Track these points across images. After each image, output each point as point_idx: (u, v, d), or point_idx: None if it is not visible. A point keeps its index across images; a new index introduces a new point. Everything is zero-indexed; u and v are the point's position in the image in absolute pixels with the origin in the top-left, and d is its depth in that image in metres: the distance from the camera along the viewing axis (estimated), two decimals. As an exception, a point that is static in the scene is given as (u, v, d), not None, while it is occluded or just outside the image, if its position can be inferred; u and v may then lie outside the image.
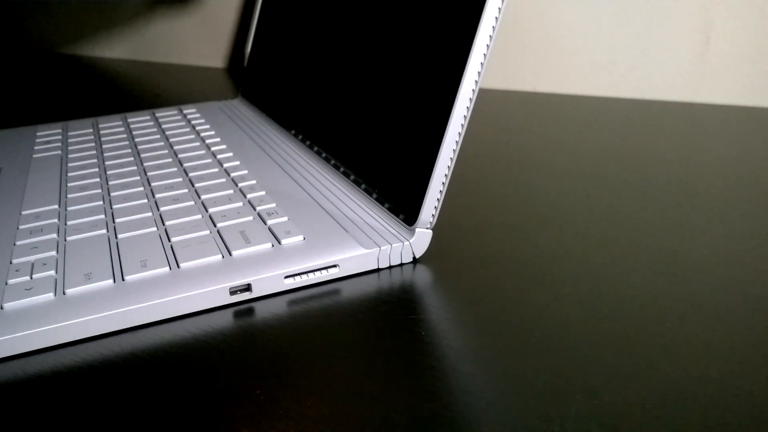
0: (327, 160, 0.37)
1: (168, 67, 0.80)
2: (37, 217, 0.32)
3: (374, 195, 0.31)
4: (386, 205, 0.30)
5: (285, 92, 0.46)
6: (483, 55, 0.25)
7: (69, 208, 0.33)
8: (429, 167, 0.27)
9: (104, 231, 0.30)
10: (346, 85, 0.37)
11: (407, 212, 0.28)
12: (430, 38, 0.29)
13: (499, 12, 0.25)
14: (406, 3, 0.31)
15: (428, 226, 0.28)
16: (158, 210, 0.32)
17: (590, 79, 0.58)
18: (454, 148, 0.27)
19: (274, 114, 0.47)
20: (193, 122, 0.48)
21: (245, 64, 0.53)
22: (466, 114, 0.26)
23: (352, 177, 0.33)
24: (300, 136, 0.41)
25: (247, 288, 0.26)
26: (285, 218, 0.30)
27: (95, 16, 0.87)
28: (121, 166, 0.39)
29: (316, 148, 0.38)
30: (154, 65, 0.82)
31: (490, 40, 0.25)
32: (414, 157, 0.28)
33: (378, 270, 0.28)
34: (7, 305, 0.24)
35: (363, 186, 0.32)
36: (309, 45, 0.44)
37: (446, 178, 0.27)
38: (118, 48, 0.87)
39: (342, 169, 0.35)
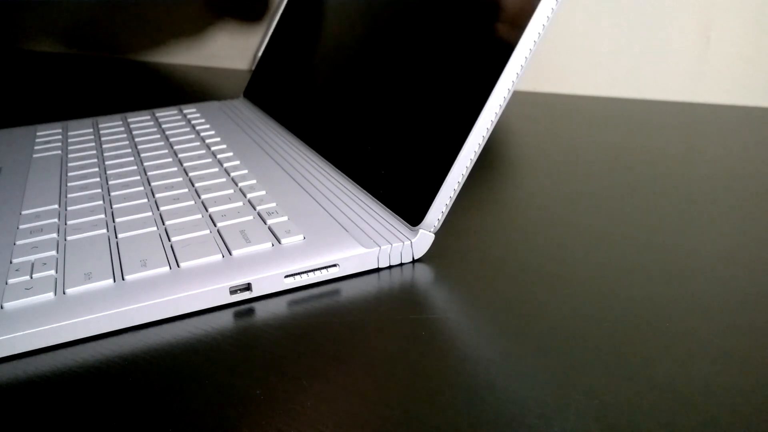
0: (329, 160, 0.37)
1: (169, 68, 0.80)
2: (37, 216, 0.32)
3: (379, 194, 0.31)
4: (390, 204, 0.30)
5: (293, 93, 0.46)
6: (516, 75, 0.25)
7: (69, 208, 0.33)
8: (444, 170, 0.27)
9: (104, 230, 0.30)
10: (361, 89, 0.37)
11: (413, 212, 0.28)
12: (463, 49, 0.29)
13: (548, 19, 0.25)
14: (431, 14, 0.31)
15: (432, 229, 0.28)
16: (158, 209, 0.32)
17: (590, 79, 0.58)
18: (472, 157, 0.27)
19: (279, 114, 0.47)
20: (193, 122, 0.48)
21: (254, 65, 0.53)
22: (493, 119, 0.26)
23: (354, 176, 0.33)
24: (305, 137, 0.41)
25: (247, 287, 0.26)
26: (285, 218, 0.30)
27: (100, 16, 0.87)
28: (121, 165, 0.39)
29: (318, 148, 0.38)
30: (157, 65, 0.82)
31: (530, 52, 0.25)
32: (430, 159, 0.28)
33: (378, 270, 0.28)
34: (7, 305, 0.24)
35: (366, 185, 0.32)
36: (324, 47, 0.44)
37: (459, 185, 0.27)
38: (123, 48, 0.87)
39: (345, 169, 0.35)
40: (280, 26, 0.52)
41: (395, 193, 0.30)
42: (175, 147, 0.42)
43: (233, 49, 0.78)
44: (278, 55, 0.51)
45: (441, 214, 0.28)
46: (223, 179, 0.35)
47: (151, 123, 0.49)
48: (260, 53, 0.53)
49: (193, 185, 0.35)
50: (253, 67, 0.54)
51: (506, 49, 0.26)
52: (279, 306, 0.26)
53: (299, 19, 0.49)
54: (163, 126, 0.47)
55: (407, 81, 0.32)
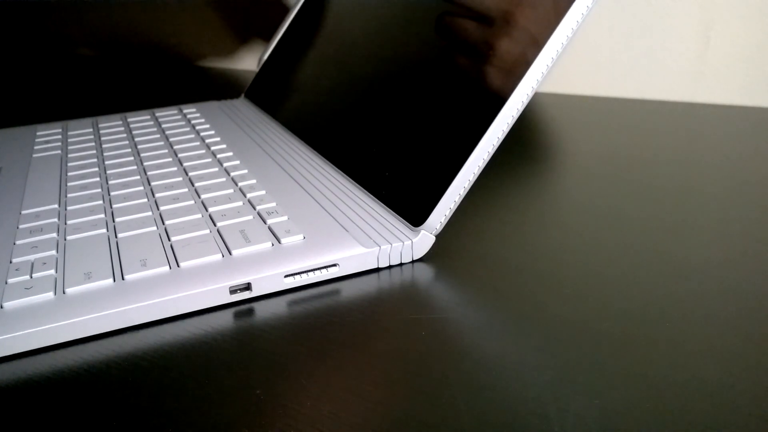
0: (330, 160, 0.37)
1: (169, 68, 0.80)
2: (37, 216, 0.32)
3: (381, 194, 0.31)
4: (392, 204, 0.30)
5: (296, 94, 0.46)
6: (536, 82, 0.25)
7: (69, 208, 0.33)
8: (452, 173, 0.27)
9: (104, 230, 0.30)
10: (368, 91, 0.37)
11: (415, 213, 0.28)
12: (479, 51, 0.28)
13: (577, 23, 0.25)
14: (443, 17, 0.31)
15: (434, 231, 0.28)
16: (158, 209, 0.32)
17: (590, 79, 0.58)
18: (480, 164, 0.27)
19: (280, 115, 0.47)
20: (192, 122, 0.48)
21: (258, 67, 0.53)
22: (509, 122, 0.26)
23: (355, 176, 0.33)
24: (306, 137, 0.41)
25: (247, 287, 0.26)
26: (285, 217, 0.30)
27: (100, 16, 0.87)
28: (121, 165, 0.39)
29: (319, 149, 0.38)
30: (157, 65, 0.82)
31: (553, 59, 0.25)
32: (438, 161, 0.28)
33: (378, 269, 0.28)
34: (6, 304, 0.24)
35: (367, 185, 0.32)
36: (331, 48, 0.44)
37: (465, 190, 0.27)
38: (123, 48, 0.87)
39: (347, 169, 0.35)
40: (290, 30, 0.52)
41: (398, 193, 0.30)
42: (175, 147, 0.42)
43: (234, 50, 0.78)
44: (284, 56, 0.51)
45: (444, 217, 0.28)
46: (223, 179, 0.35)
47: (151, 123, 0.49)
48: (266, 55, 0.53)
49: (192, 185, 0.35)
50: (258, 69, 0.54)
51: (530, 54, 0.25)
52: (279, 306, 0.26)
53: (309, 22, 0.49)
54: (163, 126, 0.47)
55: (416, 84, 0.32)
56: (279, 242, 0.28)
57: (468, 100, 0.28)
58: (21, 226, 0.31)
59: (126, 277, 0.26)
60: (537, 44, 0.25)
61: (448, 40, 0.30)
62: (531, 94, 0.26)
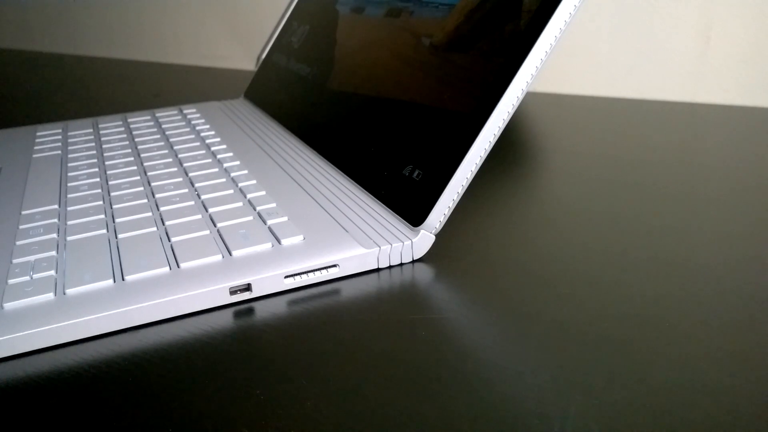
0: (330, 160, 0.37)
1: (169, 68, 0.80)
2: (37, 216, 0.32)
3: (380, 194, 0.31)
4: (391, 204, 0.30)
5: (295, 94, 0.46)
6: (529, 77, 0.25)
7: (69, 208, 0.33)
8: (449, 172, 0.27)
9: (104, 231, 0.30)
10: (365, 90, 0.37)
11: (414, 213, 0.28)
12: (474, 49, 0.28)
13: (568, 18, 0.25)
14: (439, 14, 0.31)
15: (433, 231, 0.28)
16: (158, 210, 0.32)
17: (590, 79, 0.58)
18: (477, 161, 0.27)
19: (279, 115, 0.47)
20: (193, 122, 0.48)
21: (257, 66, 0.53)
22: (504, 119, 0.26)
23: (355, 176, 0.33)
24: (305, 137, 0.41)
25: (247, 288, 0.26)
26: (285, 218, 0.30)
27: (100, 16, 0.87)
28: (121, 165, 0.39)
29: (319, 149, 0.38)
30: (157, 65, 0.82)
31: (545, 55, 0.25)
32: (435, 160, 0.28)
33: (378, 270, 0.28)
34: (7, 305, 0.24)
35: (366, 185, 0.32)
36: (329, 47, 0.44)
37: (463, 188, 0.27)
38: (123, 48, 0.87)
39: (346, 169, 0.35)
40: (286, 28, 0.52)
41: (397, 193, 0.30)
42: (175, 147, 0.42)
43: (234, 50, 0.78)
44: (281, 55, 0.51)
45: (443, 216, 0.28)
46: (223, 179, 0.35)
47: (151, 123, 0.49)
48: (264, 54, 0.53)
49: (193, 185, 0.35)
50: (257, 68, 0.54)
51: (521, 51, 0.25)
52: (279, 306, 0.26)
53: (305, 21, 0.49)
54: (163, 126, 0.47)
55: (413, 82, 0.32)
56: (279, 243, 0.28)
57: (464, 99, 0.28)
58: (21, 227, 0.31)
59: (126, 277, 0.26)
60: (528, 40, 0.25)
61: (443, 39, 0.30)
62: (525, 90, 0.26)
